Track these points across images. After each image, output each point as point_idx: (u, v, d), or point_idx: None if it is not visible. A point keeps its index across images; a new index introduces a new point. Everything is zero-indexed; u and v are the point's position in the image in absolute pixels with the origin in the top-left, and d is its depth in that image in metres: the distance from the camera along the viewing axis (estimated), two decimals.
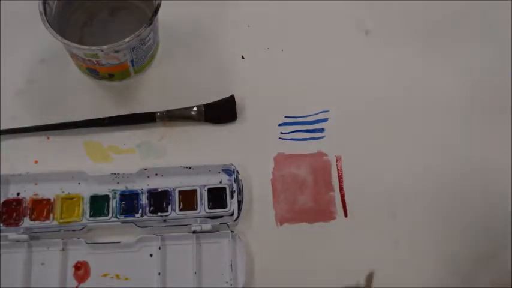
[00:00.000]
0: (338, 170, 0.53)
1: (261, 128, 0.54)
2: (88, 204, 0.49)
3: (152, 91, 0.55)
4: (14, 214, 0.49)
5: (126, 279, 0.48)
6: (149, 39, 0.51)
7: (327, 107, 0.55)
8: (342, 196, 0.52)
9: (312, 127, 0.54)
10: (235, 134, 0.53)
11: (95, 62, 0.50)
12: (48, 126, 0.52)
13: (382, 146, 0.53)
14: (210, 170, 0.51)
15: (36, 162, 0.52)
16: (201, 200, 0.50)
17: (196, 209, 0.50)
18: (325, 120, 0.54)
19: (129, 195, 0.50)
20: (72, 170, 0.51)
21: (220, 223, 0.50)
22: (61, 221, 0.49)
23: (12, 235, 0.48)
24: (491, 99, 0.55)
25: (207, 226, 0.49)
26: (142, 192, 0.50)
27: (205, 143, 0.53)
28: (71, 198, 0.50)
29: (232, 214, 0.50)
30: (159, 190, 0.50)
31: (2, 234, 0.48)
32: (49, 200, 0.50)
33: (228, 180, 0.51)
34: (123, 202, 0.50)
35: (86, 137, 0.53)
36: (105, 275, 0.48)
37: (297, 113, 0.54)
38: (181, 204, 0.50)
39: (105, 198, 0.50)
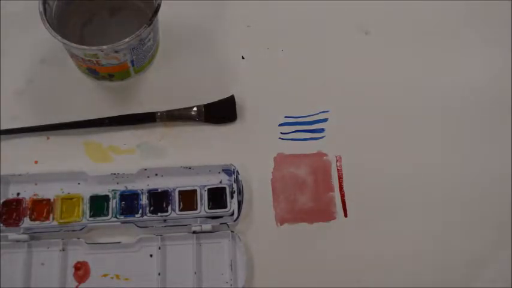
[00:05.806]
0: (338, 170, 0.52)
1: (261, 128, 0.54)
2: (88, 205, 0.49)
3: (152, 91, 0.55)
4: (14, 214, 0.49)
5: (126, 279, 0.48)
6: (149, 39, 0.51)
7: (327, 107, 0.55)
8: (342, 196, 0.52)
9: (312, 127, 0.54)
10: (235, 134, 0.53)
11: (95, 62, 0.50)
12: (48, 126, 0.52)
13: (382, 146, 0.53)
14: (210, 170, 0.51)
15: (36, 162, 0.52)
16: (201, 200, 0.50)
17: (196, 209, 0.50)
18: (325, 120, 0.54)
19: (129, 195, 0.50)
20: (72, 170, 0.51)
21: (220, 223, 0.50)
22: (61, 221, 0.49)
23: (12, 235, 0.48)
24: (492, 99, 0.55)
25: (207, 226, 0.49)
26: (142, 192, 0.50)
27: (205, 143, 0.53)
28: (71, 199, 0.50)
29: (232, 214, 0.50)
30: (159, 190, 0.50)
31: (2, 234, 0.48)
32: (49, 200, 0.50)
33: (228, 180, 0.51)
34: (123, 202, 0.50)
35: (86, 137, 0.53)
36: (105, 275, 0.48)
37: (297, 113, 0.54)
38: (181, 204, 0.50)
39: (105, 198, 0.50)
